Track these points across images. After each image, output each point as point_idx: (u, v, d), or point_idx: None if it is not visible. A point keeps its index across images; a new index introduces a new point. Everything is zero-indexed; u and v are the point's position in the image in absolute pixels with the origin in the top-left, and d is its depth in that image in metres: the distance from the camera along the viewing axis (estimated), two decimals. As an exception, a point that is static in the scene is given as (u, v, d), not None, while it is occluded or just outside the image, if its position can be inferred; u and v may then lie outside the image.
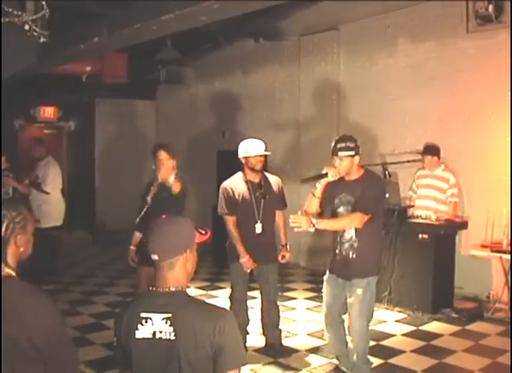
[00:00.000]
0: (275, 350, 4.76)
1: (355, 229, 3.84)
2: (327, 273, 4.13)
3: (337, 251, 3.97)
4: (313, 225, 3.66)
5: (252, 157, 4.47)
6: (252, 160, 4.48)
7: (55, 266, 7.13)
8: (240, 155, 4.53)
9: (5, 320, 1.93)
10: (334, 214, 3.98)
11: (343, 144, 3.83)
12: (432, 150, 6.11)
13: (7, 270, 2.06)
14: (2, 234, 2.06)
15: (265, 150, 4.54)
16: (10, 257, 2.09)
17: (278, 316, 4.82)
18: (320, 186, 3.92)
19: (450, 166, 6.24)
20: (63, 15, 5.24)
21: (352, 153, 3.81)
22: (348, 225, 3.84)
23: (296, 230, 3.67)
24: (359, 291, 3.86)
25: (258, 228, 4.54)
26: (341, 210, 3.93)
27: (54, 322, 2.02)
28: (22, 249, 2.13)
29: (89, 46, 5.51)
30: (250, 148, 4.49)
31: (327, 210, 4.02)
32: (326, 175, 3.88)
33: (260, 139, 4.60)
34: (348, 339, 4.01)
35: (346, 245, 3.90)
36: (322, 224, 3.77)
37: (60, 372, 2.02)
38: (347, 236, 3.89)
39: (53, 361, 1.99)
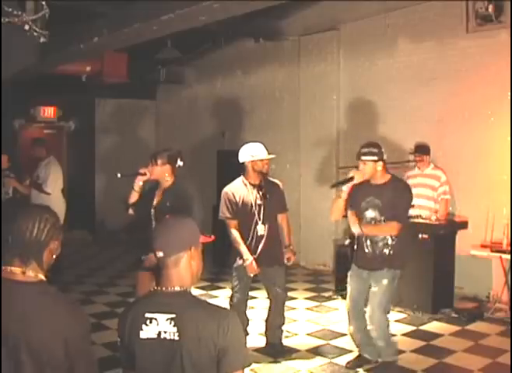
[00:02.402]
0: (275, 350, 4.77)
1: None
2: (353, 267, 4.36)
3: (367, 249, 4.19)
4: (359, 228, 4.13)
5: (259, 160, 4.52)
6: (259, 163, 4.54)
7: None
8: (246, 158, 4.54)
9: (40, 326, 1.88)
10: (360, 216, 4.21)
11: (366, 150, 4.11)
12: (425, 149, 6.18)
13: (40, 276, 1.99)
14: (43, 238, 1.97)
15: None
16: (44, 263, 2.01)
17: (283, 318, 4.83)
18: (346, 188, 4.20)
19: (450, 166, 6.25)
20: (63, 15, 5.23)
21: (375, 158, 4.07)
22: (387, 233, 4.12)
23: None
24: (385, 282, 4.13)
25: (261, 229, 4.56)
26: (368, 212, 4.17)
27: (85, 332, 1.99)
28: (54, 256, 2.06)
29: (89, 46, 5.50)
30: (258, 152, 4.54)
31: (352, 211, 4.26)
32: (352, 178, 4.15)
33: (260, 142, 4.64)
34: (370, 327, 4.23)
35: (380, 244, 4.14)
36: (367, 229, 4.15)
37: None
38: (381, 235, 4.15)
39: (78, 369, 1.95)
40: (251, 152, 4.54)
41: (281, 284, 4.72)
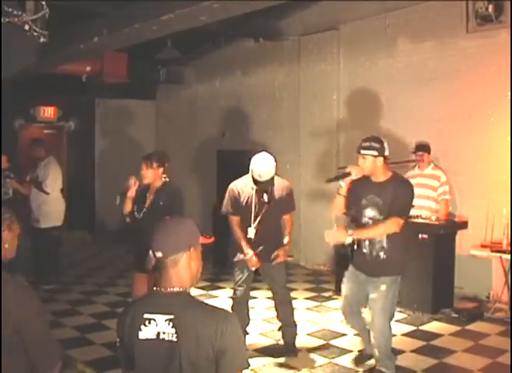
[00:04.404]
0: (287, 349, 4.75)
1: None
2: (350, 268, 4.20)
3: (365, 250, 4.02)
4: (350, 235, 3.87)
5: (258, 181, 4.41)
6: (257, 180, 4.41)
7: (55, 266, 7.13)
8: (251, 171, 4.42)
9: None
10: (360, 214, 4.03)
11: (367, 144, 3.93)
12: (425, 147, 6.18)
13: None
14: None
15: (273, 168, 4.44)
16: None
17: (291, 315, 4.79)
18: (344, 184, 4.05)
19: (449, 166, 6.25)
20: (63, 15, 5.24)
21: (375, 153, 3.88)
22: (387, 231, 3.89)
23: (331, 244, 3.82)
24: (383, 287, 3.96)
25: (251, 232, 4.51)
26: (368, 210, 3.98)
27: (35, 314, 2.08)
28: (6, 246, 2.17)
29: (89, 46, 5.51)
30: (259, 172, 4.33)
31: (352, 209, 4.12)
32: (349, 174, 4.02)
33: (268, 157, 4.43)
34: (372, 334, 4.10)
35: (378, 246, 3.97)
36: (359, 233, 3.93)
37: (42, 362, 2.09)
38: (378, 237, 3.96)
39: (35, 351, 2.05)
40: (255, 168, 4.35)
41: (280, 280, 4.72)
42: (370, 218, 3.97)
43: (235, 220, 4.55)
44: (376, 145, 3.89)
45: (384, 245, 3.94)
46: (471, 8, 6.17)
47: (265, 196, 4.47)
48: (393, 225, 3.85)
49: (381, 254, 3.96)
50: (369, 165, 3.91)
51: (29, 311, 2.06)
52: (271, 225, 4.60)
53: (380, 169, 3.94)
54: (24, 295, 2.09)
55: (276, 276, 4.69)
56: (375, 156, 3.88)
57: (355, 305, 4.22)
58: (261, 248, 4.54)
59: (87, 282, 7.35)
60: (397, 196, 3.88)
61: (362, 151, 3.92)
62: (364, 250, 4.03)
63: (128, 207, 4.63)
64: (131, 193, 4.62)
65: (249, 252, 4.47)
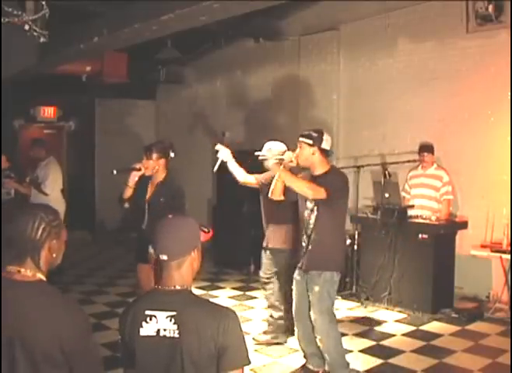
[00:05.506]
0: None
1: (315, 221, 3.86)
2: (297, 269, 4.13)
3: (303, 243, 4.00)
4: (282, 168, 3.90)
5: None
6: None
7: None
8: None
9: (35, 324, 1.87)
10: (302, 207, 4.06)
11: (306, 132, 3.92)
12: (430, 148, 6.18)
13: (38, 275, 1.97)
14: (38, 236, 1.95)
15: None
16: (42, 262, 1.99)
17: (275, 314, 4.86)
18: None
19: (450, 166, 6.25)
20: (63, 15, 5.24)
21: (311, 142, 3.86)
22: (303, 189, 3.82)
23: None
24: (316, 289, 3.87)
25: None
26: (309, 204, 3.97)
27: (82, 331, 1.96)
28: (54, 255, 2.04)
29: (89, 46, 5.51)
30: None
31: (292, 198, 4.20)
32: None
33: (281, 141, 4.90)
34: (317, 337, 3.98)
35: (315, 238, 3.92)
36: (287, 175, 3.88)
37: None
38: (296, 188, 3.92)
39: (78, 368, 1.93)
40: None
41: (279, 267, 4.76)
42: (311, 210, 3.93)
43: None
44: (315, 135, 3.88)
45: (312, 236, 3.88)
46: (471, 8, 6.17)
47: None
48: (314, 189, 3.75)
49: (310, 245, 3.90)
50: (305, 154, 3.89)
51: (75, 332, 1.92)
52: (273, 215, 4.80)
53: (318, 161, 3.90)
54: (73, 315, 1.95)
55: (276, 262, 4.77)
56: (310, 145, 3.85)
57: (306, 307, 4.05)
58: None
59: (87, 282, 7.35)
60: (327, 182, 3.81)
61: (300, 139, 3.91)
62: (303, 243, 3.99)
63: (129, 193, 4.51)
64: (132, 181, 4.47)
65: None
